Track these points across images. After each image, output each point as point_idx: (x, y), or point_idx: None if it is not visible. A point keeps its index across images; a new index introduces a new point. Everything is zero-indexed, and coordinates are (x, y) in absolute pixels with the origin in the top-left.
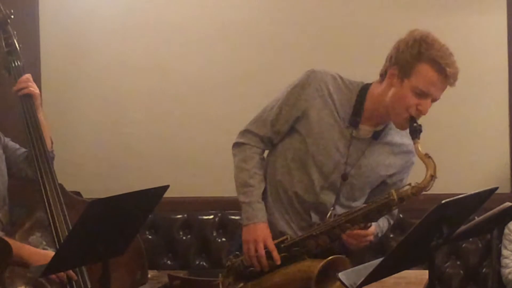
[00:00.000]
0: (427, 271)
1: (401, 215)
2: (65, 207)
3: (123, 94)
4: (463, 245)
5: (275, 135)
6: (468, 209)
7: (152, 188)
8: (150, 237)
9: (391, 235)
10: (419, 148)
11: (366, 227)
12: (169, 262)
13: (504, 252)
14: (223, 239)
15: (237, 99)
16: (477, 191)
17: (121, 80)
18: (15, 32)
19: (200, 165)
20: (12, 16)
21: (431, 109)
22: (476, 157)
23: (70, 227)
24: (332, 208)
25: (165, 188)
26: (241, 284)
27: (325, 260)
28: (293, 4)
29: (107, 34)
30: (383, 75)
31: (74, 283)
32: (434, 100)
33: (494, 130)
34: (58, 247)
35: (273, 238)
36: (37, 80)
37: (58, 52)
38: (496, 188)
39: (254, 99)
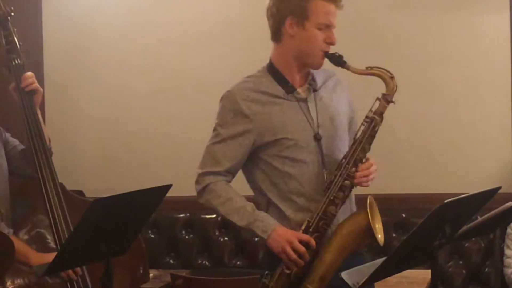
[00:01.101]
0: (429, 271)
1: (403, 215)
2: (66, 206)
3: (126, 93)
4: (466, 245)
5: (233, 163)
6: (470, 208)
7: (154, 187)
8: (152, 236)
9: (394, 235)
10: (356, 68)
11: (366, 160)
12: (171, 261)
13: (507, 251)
14: (225, 238)
15: None
16: (479, 191)
17: (124, 79)
18: (15, 30)
19: None
20: (13, 14)
21: (433, 109)
22: (479, 156)
23: (71, 227)
24: (324, 170)
25: (167, 187)
26: None
27: (367, 209)
28: None
29: (110, 32)
30: (276, 34)
31: (74, 282)
32: (333, 27)
33: (497, 129)
34: (59, 246)
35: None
36: (40, 79)
37: (61, 50)
38: (499, 188)
39: None
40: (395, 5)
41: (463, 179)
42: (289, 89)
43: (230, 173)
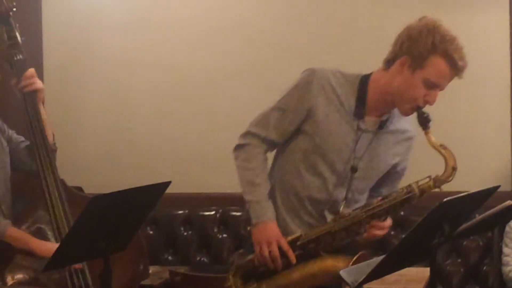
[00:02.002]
0: (427, 269)
1: (402, 213)
2: (66, 202)
3: (126, 90)
4: (464, 243)
5: (279, 137)
6: (469, 207)
7: (154, 184)
8: (151, 232)
9: (392, 232)
10: (433, 139)
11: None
12: (170, 258)
13: (505, 250)
14: (224, 235)
15: (240, 96)
16: (478, 189)
17: (124, 76)
18: (17, 25)
19: (201, 161)
20: (15, 9)
21: (432, 107)
22: (478, 155)
23: (71, 223)
24: (343, 202)
25: (166, 184)
26: (255, 285)
27: (354, 258)
28: (297, 2)
29: (111, 29)
30: (389, 62)
31: (75, 278)
32: (440, 90)
33: (496, 128)
34: (59, 242)
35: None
36: (39, 75)
37: (61, 46)
38: (498, 187)
39: (257, 96)
40: (394, 4)
41: (461, 177)
42: (359, 113)
43: (272, 144)
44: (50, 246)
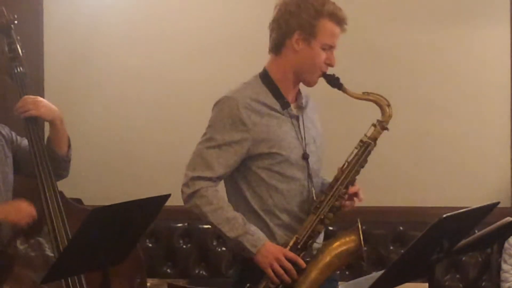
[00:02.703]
0: (426, 284)
1: (401, 228)
2: (65, 215)
3: (126, 102)
4: (463, 259)
5: (225, 170)
6: (469, 223)
7: (153, 197)
8: (150, 245)
9: (391, 248)
10: (353, 92)
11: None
12: (169, 270)
13: (504, 266)
14: (223, 248)
15: None
16: (478, 205)
17: (124, 88)
18: (18, 38)
19: None
20: (16, 22)
21: (432, 123)
22: (477, 171)
23: (70, 235)
24: (313, 189)
25: (166, 197)
26: None
27: (359, 233)
28: None
29: (111, 42)
30: (278, 46)
31: None
32: (334, 49)
33: (496, 144)
34: (58, 254)
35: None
36: (40, 86)
37: (62, 58)
38: (498, 203)
39: None
40: (393, 19)
41: (461, 193)
42: (285, 104)
43: (220, 179)
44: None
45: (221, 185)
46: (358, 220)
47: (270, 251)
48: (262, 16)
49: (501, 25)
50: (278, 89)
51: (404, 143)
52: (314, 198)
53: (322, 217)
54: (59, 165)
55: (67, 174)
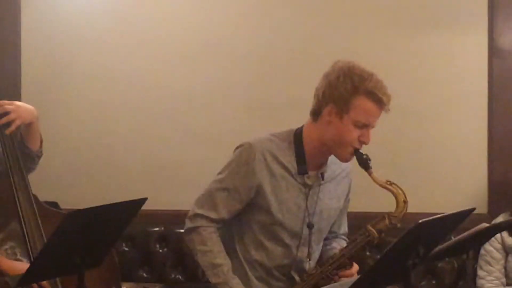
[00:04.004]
0: None
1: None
2: (40, 218)
3: (103, 106)
4: (439, 265)
5: (229, 215)
6: (445, 229)
7: (129, 201)
8: (126, 249)
9: (368, 253)
10: (377, 177)
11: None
12: (145, 274)
13: (480, 272)
14: None
15: (217, 114)
16: (454, 211)
17: (102, 93)
18: None
19: (178, 178)
20: None
21: (409, 129)
22: (454, 177)
23: (45, 239)
24: (308, 260)
25: (143, 200)
26: None
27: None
28: (279, 21)
29: (90, 46)
30: (316, 113)
31: None
32: (372, 128)
33: (473, 151)
34: (32, 258)
35: None
36: (17, 90)
37: (39, 63)
38: (474, 209)
39: (237, 114)
40: (375, 26)
41: (437, 199)
42: (303, 170)
43: (222, 222)
44: (20, 267)
45: None
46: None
47: None
48: (246, 23)
49: (479, 32)
50: (303, 154)
51: (380, 149)
52: (307, 267)
53: None
54: (31, 161)
55: (36, 167)
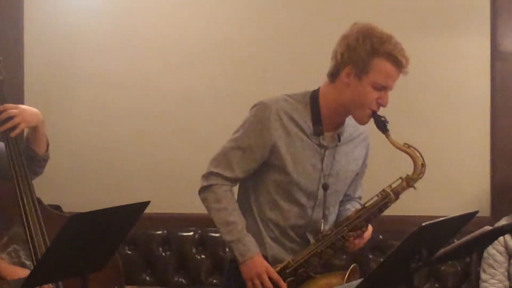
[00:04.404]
0: None
1: (380, 236)
2: (43, 221)
3: (106, 110)
4: (442, 268)
5: (244, 174)
6: (448, 232)
7: (132, 204)
8: (129, 252)
9: (370, 256)
10: (394, 140)
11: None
12: (147, 278)
13: (483, 276)
14: (203, 256)
15: (219, 117)
16: (457, 214)
17: (104, 96)
18: None
19: (180, 181)
20: None
21: (411, 132)
22: (457, 180)
23: (48, 242)
24: (323, 221)
25: (145, 204)
26: None
27: (346, 274)
28: (280, 22)
29: (92, 50)
30: (333, 74)
31: None
32: (390, 90)
33: (476, 153)
34: (35, 261)
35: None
36: (20, 95)
37: (42, 67)
38: (477, 212)
39: (238, 117)
40: None
41: (440, 202)
42: (318, 131)
43: (237, 181)
44: (20, 272)
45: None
46: (353, 266)
47: (255, 266)
48: (246, 24)
49: (481, 35)
50: (319, 115)
51: (383, 151)
52: (322, 228)
53: (319, 250)
54: (38, 164)
55: (43, 171)
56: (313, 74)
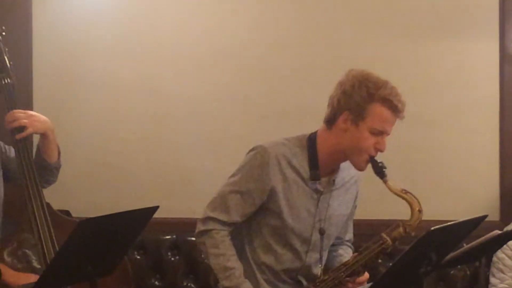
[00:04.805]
0: None
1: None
2: (52, 226)
3: (115, 115)
4: (451, 272)
5: (241, 218)
6: (457, 236)
7: (141, 209)
8: (138, 257)
9: (380, 261)
10: (392, 186)
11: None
12: (156, 283)
13: (492, 280)
14: None
15: (227, 122)
16: (466, 218)
17: (113, 101)
18: (6, 49)
19: (189, 186)
20: (4, 33)
21: (420, 136)
22: (466, 184)
23: (57, 247)
24: (319, 265)
25: (154, 208)
26: None
27: None
28: (290, 28)
29: (100, 54)
30: (330, 121)
31: None
32: (387, 135)
33: (485, 157)
34: (45, 266)
35: None
36: (29, 99)
37: (51, 71)
38: (486, 216)
39: (247, 122)
40: (382, 34)
41: (449, 206)
42: (315, 176)
43: (234, 225)
44: (24, 278)
45: None
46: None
47: None
48: (255, 31)
49: (490, 39)
50: (317, 160)
51: (391, 156)
52: (319, 273)
53: None
54: (50, 173)
55: (56, 180)
56: (324, 80)
